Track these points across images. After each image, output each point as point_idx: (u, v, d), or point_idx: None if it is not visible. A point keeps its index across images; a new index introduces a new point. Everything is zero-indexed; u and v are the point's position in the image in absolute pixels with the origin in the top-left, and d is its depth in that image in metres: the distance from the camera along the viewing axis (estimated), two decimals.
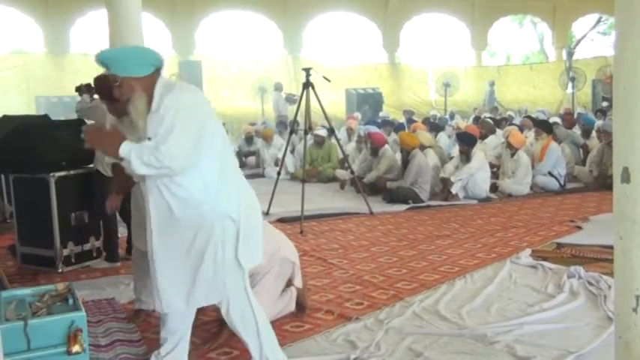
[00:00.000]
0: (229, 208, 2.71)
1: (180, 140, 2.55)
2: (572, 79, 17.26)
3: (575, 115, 13.28)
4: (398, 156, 8.47)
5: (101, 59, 2.69)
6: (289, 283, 3.77)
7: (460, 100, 20.63)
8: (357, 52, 27.81)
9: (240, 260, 2.74)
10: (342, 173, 9.23)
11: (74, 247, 5.02)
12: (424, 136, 8.61)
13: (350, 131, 11.36)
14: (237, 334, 2.90)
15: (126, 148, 2.58)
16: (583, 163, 9.57)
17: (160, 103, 2.63)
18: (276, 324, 3.58)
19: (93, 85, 3.59)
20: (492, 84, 19.79)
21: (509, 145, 8.38)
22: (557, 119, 10.75)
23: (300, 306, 3.79)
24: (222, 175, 2.72)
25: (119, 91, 2.68)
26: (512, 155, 8.27)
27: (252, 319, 2.82)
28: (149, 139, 2.61)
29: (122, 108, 2.86)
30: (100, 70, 2.74)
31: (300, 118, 7.97)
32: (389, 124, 11.62)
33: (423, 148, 8.23)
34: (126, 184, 3.52)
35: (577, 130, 11.26)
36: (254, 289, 3.13)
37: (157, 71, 2.74)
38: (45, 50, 18.12)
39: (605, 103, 15.39)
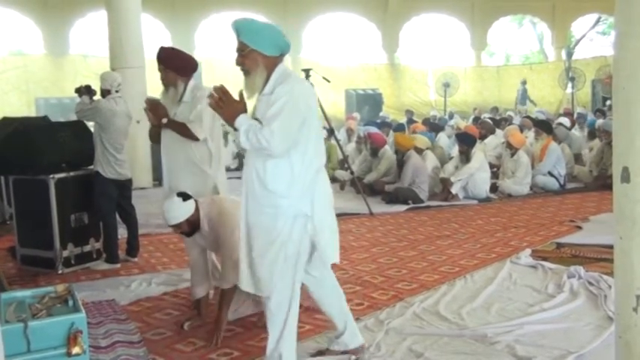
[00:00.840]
0: (304, 207, 2.75)
1: (282, 127, 2.61)
2: (572, 79, 17.25)
3: (575, 116, 13.27)
4: None
5: (237, 26, 2.77)
6: None
7: (460, 100, 20.63)
8: (356, 52, 27.83)
9: (325, 255, 2.85)
10: (341, 174, 9.23)
11: (74, 248, 5.02)
12: (421, 139, 8.58)
13: (350, 132, 11.36)
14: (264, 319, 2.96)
15: (240, 120, 2.70)
16: (576, 161, 9.60)
17: (273, 88, 2.71)
18: None
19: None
20: (524, 82, 19.62)
21: (509, 145, 8.38)
22: (562, 120, 10.70)
23: None
24: (309, 172, 2.76)
25: (242, 60, 2.78)
26: (512, 155, 8.27)
27: (284, 314, 2.82)
28: (256, 119, 2.73)
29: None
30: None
31: None
32: (387, 126, 11.61)
33: (420, 150, 8.23)
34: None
35: (576, 131, 11.26)
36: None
37: (281, 56, 2.81)
38: (44, 52, 18.12)
39: (609, 102, 15.35)
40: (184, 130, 3.81)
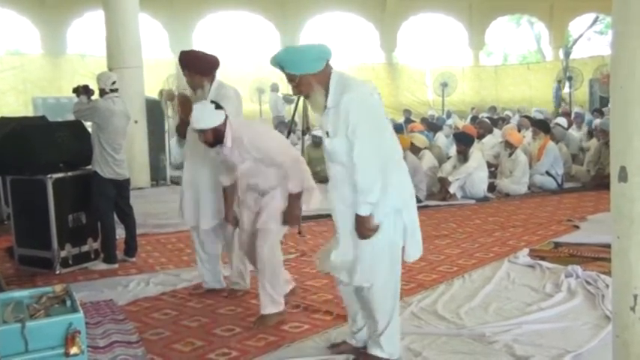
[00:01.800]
0: (395, 202, 2.82)
1: (369, 138, 2.71)
2: (569, 79, 17.25)
3: (573, 116, 13.27)
4: None
5: (277, 61, 2.83)
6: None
7: (458, 99, 20.63)
8: (354, 52, 27.79)
9: (409, 253, 2.92)
10: None
11: (72, 248, 5.02)
12: (419, 138, 8.58)
13: None
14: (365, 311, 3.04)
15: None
16: (573, 160, 9.61)
17: (338, 100, 2.76)
18: (276, 324, 3.58)
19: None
20: (560, 81, 19.60)
21: (507, 145, 8.38)
22: (560, 120, 10.70)
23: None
24: (391, 169, 2.82)
25: (298, 89, 2.86)
26: (510, 155, 8.28)
27: (391, 306, 2.95)
28: (327, 133, 2.80)
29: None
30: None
31: (298, 119, 7.97)
32: None
33: (418, 150, 8.23)
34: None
35: (573, 131, 11.26)
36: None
37: (328, 64, 2.85)
38: (42, 51, 18.08)
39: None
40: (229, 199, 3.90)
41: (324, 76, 2.82)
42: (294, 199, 3.62)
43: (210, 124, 3.50)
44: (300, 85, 2.84)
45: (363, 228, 2.78)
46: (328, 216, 2.88)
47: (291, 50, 2.90)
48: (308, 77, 2.81)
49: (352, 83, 2.81)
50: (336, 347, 3.20)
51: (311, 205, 3.76)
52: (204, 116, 3.50)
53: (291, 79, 2.85)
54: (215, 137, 3.55)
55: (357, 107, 2.72)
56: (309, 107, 6.98)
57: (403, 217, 2.87)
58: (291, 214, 3.66)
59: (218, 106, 3.55)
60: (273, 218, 3.65)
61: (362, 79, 3.04)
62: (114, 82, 5.18)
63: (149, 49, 15.11)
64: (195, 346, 3.35)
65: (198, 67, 4.02)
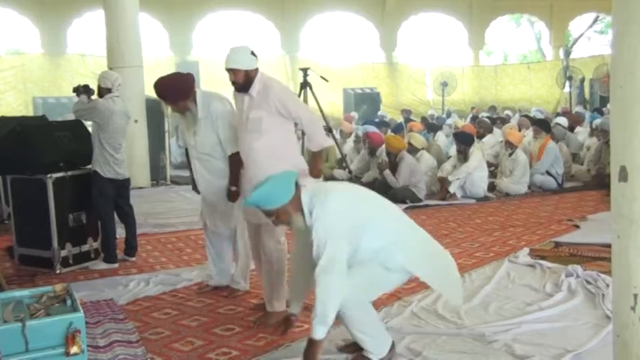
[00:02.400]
0: (407, 261, 2.91)
1: (335, 249, 2.76)
2: (570, 79, 17.25)
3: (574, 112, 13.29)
4: None
5: (253, 203, 2.91)
6: None
7: (458, 99, 20.64)
8: (354, 51, 27.80)
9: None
10: (340, 173, 9.22)
11: (72, 248, 5.02)
12: (416, 138, 8.57)
13: (344, 135, 11.23)
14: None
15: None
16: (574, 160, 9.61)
17: (312, 217, 2.84)
18: (275, 324, 3.58)
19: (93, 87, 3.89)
20: (582, 80, 19.54)
21: (507, 144, 8.38)
22: (560, 119, 10.70)
23: None
24: (398, 234, 2.95)
25: (278, 221, 2.95)
26: (511, 154, 8.28)
27: (367, 327, 2.97)
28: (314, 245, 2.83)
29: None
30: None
31: None
32: (385, 125, 11.60)
33: (416, 150, 8.22)
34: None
35: (579, 131, 11.25)
36: None
37: (298, 188, 2.91)
38: (42, 51, 18.08)
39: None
40: (236, 169, 3.90)
41: (296, 201, 2.89)
42: (316, 156, 3.77)
43: (243, 65, 3.59)
44: (279, 216, 2.91)
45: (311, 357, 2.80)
46: None
47: (264, 187, 2.90)
48: (284, 208, 2.87)
49: (320, 196, 2.86)
50: (345, 348, 3.20)
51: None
52: (238, 57, 3.60)
53: (269, 214, 2.93)
54: (245, 81, 3.62)
55: (324, 223, 2.78)
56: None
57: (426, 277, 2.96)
58: (315, 169, 3.76)
59: (253, 53, 3.65)
60: None
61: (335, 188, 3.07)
62: (120, 84, 5.21)
63: (149, 49, 15.12)
64: (195, 346, 3.35)
65: (176, 93, 3.96)
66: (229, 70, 3.63)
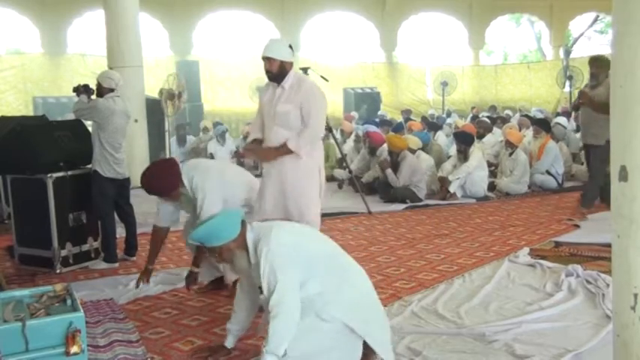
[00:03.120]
0: (343, 313, 2.79)
1: (286, 281, 2.70)
2: (570, 78, 17.24)
3: (573, 115, 13.25)
4: None
5: (196, 239, 2.89)
6: None
7: (458, 99, 20.62)
8: (354, 51, 27.82)
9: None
10: (340, 173, 9.23)
11: (72, 247, 5.02)
12: (412, 140, 8.56)
13: (344, 134, 11.24)
14: None
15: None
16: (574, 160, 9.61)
17: (256, 255, 2.79)
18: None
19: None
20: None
21: (507, 143, 8.38)
22: (560, 119, 10.69)
23: None
24: (335, 279, 2.84)
25: (221, 259, 2.92)
26: (511, 154, 8.28)
27: None
28: (260, 288, 2.78)
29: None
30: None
31: None
32: (387, 124, 11.61)
33: (412, 152, 8.23)
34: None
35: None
36: None
37: (244, 223, 2.88)
38: (42, 51, 18.07)
39: None
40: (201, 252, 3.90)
41: (241, 238, 2.86)
42: (280, 148, 3.74)
43: (279, 55, 3.73)
44: (222, 254, 2.88)
45: None
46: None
47: (207, 225, 2.87)
48: (227, 245, 2.84)
49: (263, 236, 2.81)
50: None
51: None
52: (276, 47, 3.77)
53: (212, 251, 2.91)
54: (279, 72, 3.76)
55: (271, 259, 2.72)
56: None
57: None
58: (265, 151, 3.81)
59: (291, 47, 3.83)
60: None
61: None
62: (122, 84, 5.23)
63: (149, 49, 15.11)
64: (195, 345, 3.35)
65: (166, 186, 3.95)
66: (265, 59, 3.75)
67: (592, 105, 6.36)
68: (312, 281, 2.78)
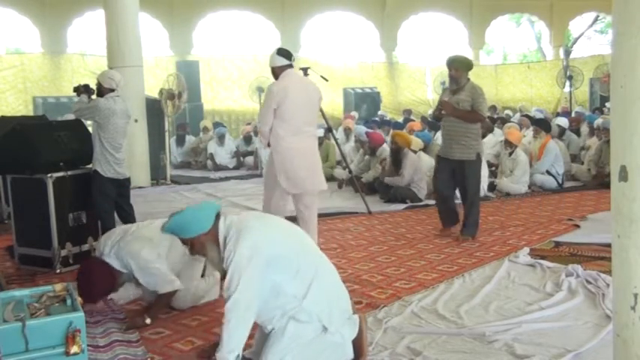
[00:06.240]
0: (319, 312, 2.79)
1: (247, 283, 2.67)
2: (570, 78, 17.24)
3: (573, 114, 13.28)
4: None
5: (170, 230, 2.90)
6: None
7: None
8: (354, 51, 27.83)
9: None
10: (340, 173, 9.23)
11: (72, 247, 5.02)
12: (415, 140, 8.55)
13: (347, 131, 11.29)
14: None
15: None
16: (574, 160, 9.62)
17: (226, 252, 2.78)
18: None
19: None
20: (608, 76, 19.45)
21: (507, 143, 8.37)
22: (560, 120, 10.68)
23: None
24: (307, 278, 2.81)
25: (194, 251, 2.92)
26: (511, 154, 8.27)
27: None
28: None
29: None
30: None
31: None
32: (387, 124, 11.62)
33: (414, 152, 8.22)
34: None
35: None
36: None
37: (217, 216, 2.87)
38: (42, 50, 18.05)
39: (608, 104, 15.31)
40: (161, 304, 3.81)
41: (213, 233, 2.84)
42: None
43: (271, 63, 4.90)
44: (194, 247, 2.89)
45: None
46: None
47: (180, 216, 2.87)
48: (199, 238, 2.84)
49: (233, 234, 2.78)
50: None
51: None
52: (270, 57, 4.84)
53: (185, 243, 2.92)
54: (274, 76, 4.89)
55: (236, 261, 2.69)
56: None
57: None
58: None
59: (280, 53, 4.79)
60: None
61: None
62: (123, 84, 5.24)
63: (149, 49, 15.11)
64: (195, 345, 3.35)
65: (101, 288, 3.74)
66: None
67: (456, 113, 5.49)
68: (283, 284, 2.76)
